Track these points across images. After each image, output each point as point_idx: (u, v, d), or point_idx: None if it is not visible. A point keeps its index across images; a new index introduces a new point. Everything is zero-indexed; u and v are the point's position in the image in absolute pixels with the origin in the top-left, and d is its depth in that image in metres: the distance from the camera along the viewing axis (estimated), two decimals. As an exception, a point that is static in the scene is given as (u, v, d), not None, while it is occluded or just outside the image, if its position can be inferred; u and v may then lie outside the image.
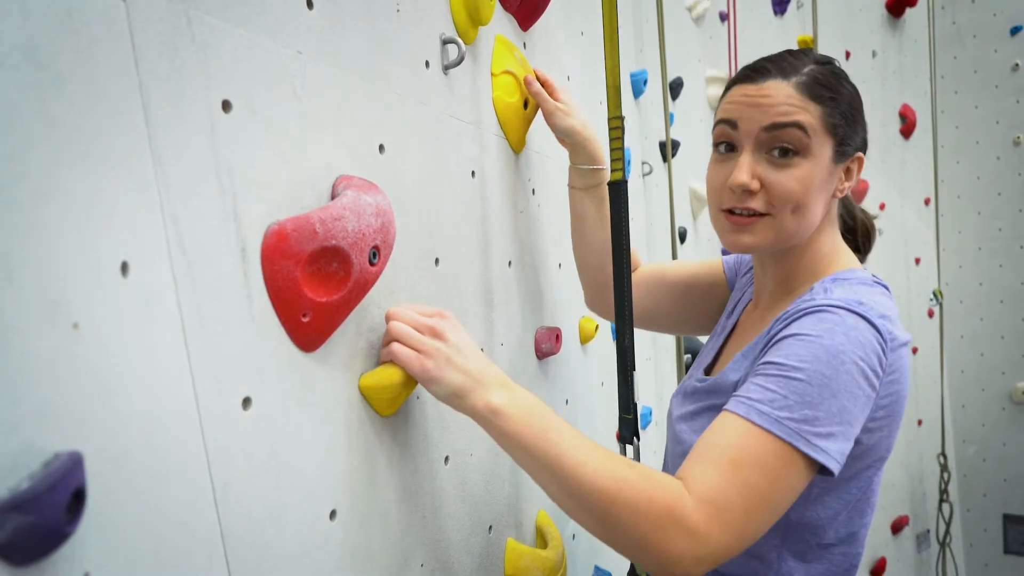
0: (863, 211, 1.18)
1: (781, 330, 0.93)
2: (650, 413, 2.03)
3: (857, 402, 0.87)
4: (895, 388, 0.94)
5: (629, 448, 1.12)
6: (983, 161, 4.30)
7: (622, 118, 1.14)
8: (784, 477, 0.84)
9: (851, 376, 0.87)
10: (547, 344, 1.34)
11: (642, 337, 1.94)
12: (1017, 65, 4.20)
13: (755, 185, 0.98)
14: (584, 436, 0.86)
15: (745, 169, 0.98)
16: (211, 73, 0.66)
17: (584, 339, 1.59)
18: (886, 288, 1.02)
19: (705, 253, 2.40)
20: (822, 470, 0.87)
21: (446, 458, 1.02)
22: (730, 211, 1.02)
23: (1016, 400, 4.21)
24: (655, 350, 2.15)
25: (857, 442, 0.92)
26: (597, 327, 1.59)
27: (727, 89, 1.05)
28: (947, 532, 3.67)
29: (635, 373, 1.12)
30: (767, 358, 0.90)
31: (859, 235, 1.15)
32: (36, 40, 0.50)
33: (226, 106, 0.67)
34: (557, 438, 0.84)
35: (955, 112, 4.34)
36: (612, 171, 1.12)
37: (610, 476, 0.82)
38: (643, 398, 2.04)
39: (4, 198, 0.47)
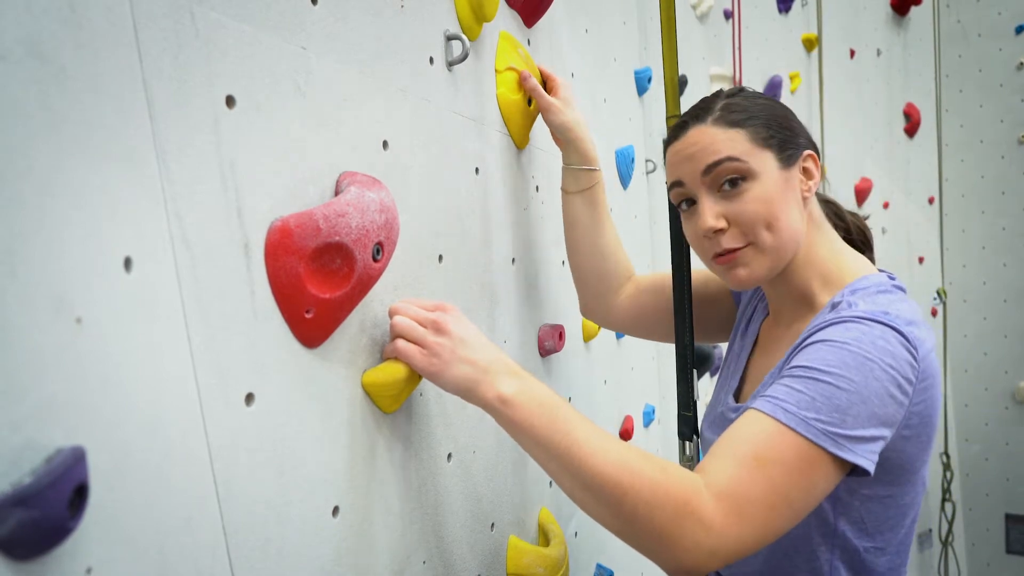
0: (852, 213, 1.17)
1: (806, 339, 0.93)
2: (652, 412, 2.03)
3: (888, 409, 0.87)
4: (929, 394, 0.92)
5: (688, 444, 1.12)
6: (988, 160, 4.29)
7: (680, 116, 1.15)
8: (808, 477, 0.84)
9: (881, 383, 0.86)
10: (550, 341, 1.34)
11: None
12: (1022, 63, 4.19)
13: (722, 223, 1.00)
14: (597, 426, 0.85)
15: (708, 213, 1.01)
16: (215, 68, 0.65)
17: (587, 337, 1.59)
18: (903, 290, 1.01)
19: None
20: (854, 472, 0.87)
21: (449, 455, 1.02)
22: (716, 255, 1.03)
23: (1019, 399, 4.21)
24: (658, 350, 2.15)
25: (896, 452, 0.92)
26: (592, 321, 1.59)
27: (664, 152, 1.10)
28: (949, 531, 3.67)
29: (695, 371, 1.13)
30: (794, 362, 0.90)
31: (855, 235, 1.15)
32: (39, 34, 0.50)
33: (230, 101, 0.67)
34: (569, 428, 0.83)
35: (960, 110, 4.33)
36: None
37: (624, 467, 0.81)
38: (646, 397, 2.03)
39: (7, 193, 0.47)
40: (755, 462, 0.82)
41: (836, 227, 1.11)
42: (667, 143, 1.09)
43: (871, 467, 0.86)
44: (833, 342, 0.88)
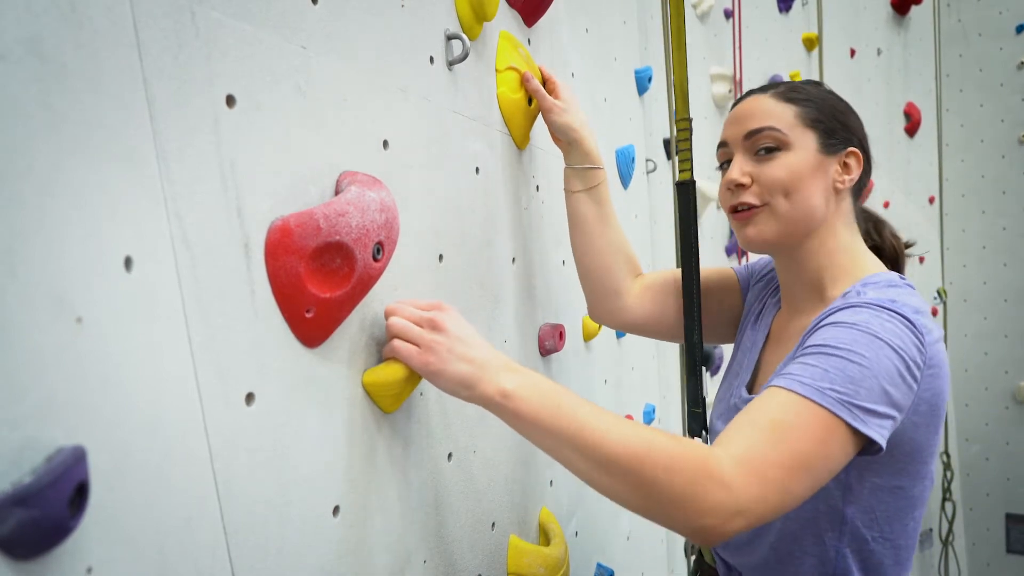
0: (896, 237, 1.19)
1: (817, 324, 0.96)
2: (653, 411, 2.03)
3: (899, 390, 0.88)
4: (936, 383, 0.95)
5: (697, 440, 1.15)
6: (988, 159, 4.29)
7: (690, 119, 1.26)
8: (827, 444, 0.85)
9: (891, 362, 0.88)
10: (550, 341, 1.34)
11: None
12: (1022, 63, 4.19)
13: (746, 180, 1.07)
14: (602, 408, 0.85)
15: (736, 168, 1.08)
16: (215, 68, 0.65)
17: (587, 336, 1.59)
18: (912, 287, 1.04)
19: (708, 251, 2.39)
20: (866, 451, 0.88)
21: (449, 455, 1.02)
22: (735, 210, 1.09)
23: (1019, 399, 4.21)
24: (658, 349, 2.15)
25: (907, 439, 0.94)
26: (600, 324, 1.59)
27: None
28: (950, 531, 3.67)
29: (703, 368, 1.15)
30: (806, 344, 0.93)
31: (886, 257, 1.16)
32: (40, 33, 0.50)
33: (230, 101, 0.67)
34: (576, 413, 0.83)
35: (960, 110, 4.33)
36: (680, 171, 1.25)
37: (639, 438, 0.81)
38: (647, 396, 2.04)
39: (8, 193, 0.47)
40: (773, 429, 0.84)
41: (870, 237, 1.15)
42: (732, 108, 1.16)
43: (883, 441, 0.87)
44: (843, 323, 0.91)
